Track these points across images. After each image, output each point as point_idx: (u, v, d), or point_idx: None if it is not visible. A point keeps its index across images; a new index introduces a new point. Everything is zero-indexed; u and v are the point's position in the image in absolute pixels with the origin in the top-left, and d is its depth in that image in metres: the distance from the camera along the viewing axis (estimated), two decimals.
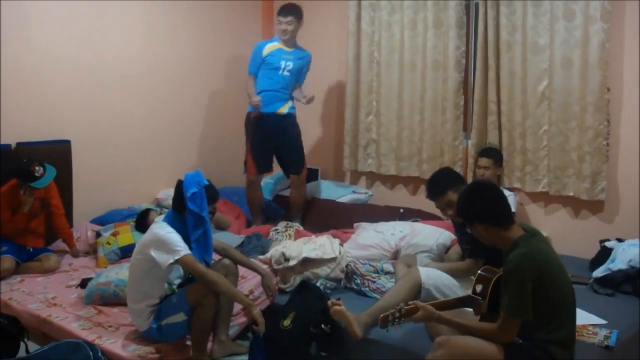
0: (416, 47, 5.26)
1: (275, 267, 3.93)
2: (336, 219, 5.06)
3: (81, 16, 4.96)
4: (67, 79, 4.92)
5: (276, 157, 5.35)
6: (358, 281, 3.84)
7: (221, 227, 4.82)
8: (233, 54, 6.09)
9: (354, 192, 5.60)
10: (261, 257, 4.05)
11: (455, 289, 3.27)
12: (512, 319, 2.52)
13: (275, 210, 5.50)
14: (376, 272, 3.87)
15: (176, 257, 3.12)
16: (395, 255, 4.09)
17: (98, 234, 4.68)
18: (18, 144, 4.62)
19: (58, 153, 4.78)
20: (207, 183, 3.31)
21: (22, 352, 3.19)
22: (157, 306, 3.28)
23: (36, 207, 4.41)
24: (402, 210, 5.04)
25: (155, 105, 5.56)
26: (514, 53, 4.71)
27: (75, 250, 4.66)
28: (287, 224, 4.93)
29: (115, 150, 5.29)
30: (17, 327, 3.26)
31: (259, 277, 3.60)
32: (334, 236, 4.37)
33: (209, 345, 3.34)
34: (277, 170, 5.59)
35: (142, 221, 4.40)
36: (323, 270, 3.90)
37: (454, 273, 3.39)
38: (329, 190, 5.64)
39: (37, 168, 4.19)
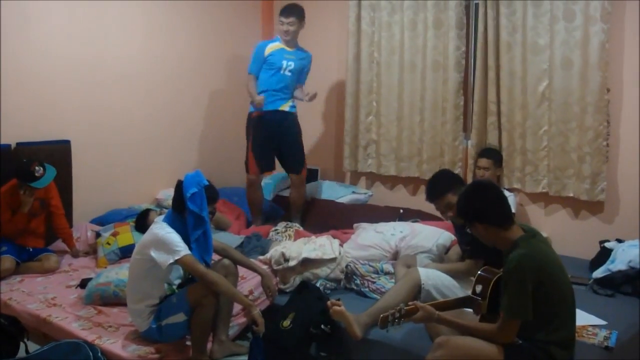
0: (416, 47, 5.26)
1: (275, 267, 3.93)
2: (336, 219, 5.06)
3: (81, 16, 4.96)
4: (67, 79, 4.92)
5: (277, 156, 5.35)
6: (358, 282, 3.84)
7: (221, 228, 4.82)
8: (233, 54, 6.09)
9: (353, 192, 5.60)
10: (261, 257, 4.05)
11: (455, 289, 3.26)
12: (512, 320, 2.52)
13: (275, 211, 5.50)
14: (376, 272, 3.87)
15: (176, 258, 3.12)
16: (395, 256, 4.09)
17: (98, 234, 4.68)
18: (18, 144, 4.62)
19: (58, 153, 4.78)
20: (207, 183, 3.31)
21: (22, 352, 3.20)
22: (157, 306, 3.28)
23: (36, 207, 4.41)
24: (402, 211, 5.04)
25: (155, 105, 5.56)
26: (514, 53, 4.71)
27: (75, 251, 4.66)
28: (287, 224, 4.93)
29: (115, 151, 5.29)
30: (17, 327, 3.27)
31: (258, 278, 3.60)
32: (334, 236, 4.37)
33: (209, 345, 3.34)
34: (277, 170, 5.59)
35: (142, 221, 4.40)
36: (323, 271, 3.91)
37: (453, 274, 3.39)
38: (329, 191, 5.64)
39: (37, 168, 4.19)
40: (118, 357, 3.22)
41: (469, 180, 4.85)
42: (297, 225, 4.93)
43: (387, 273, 3.87)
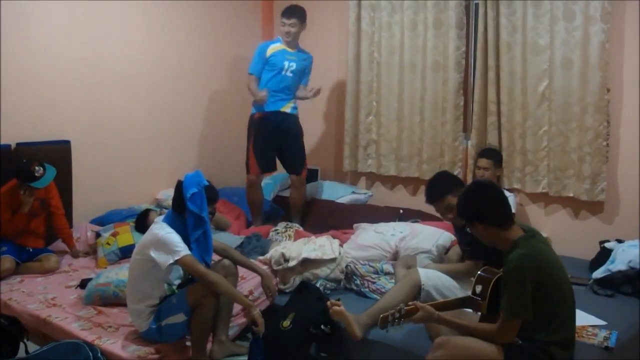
0: (416, 47, 5.26)
1: (275, 267, 3.93)
2: (336, 219, 5.06)
3: (81, 16, 4.96)
4: (67, 79, 4.92)
5: (278, 157, 5.35)
6: (358, 282, 3.84)
7: (221, 228, 4.82)
8: (233, 54, 6.09)
9: (353, 192, 5.60)
10: (261, 257, 4.05)
11: (455, 290, 3.26)
12: (512, 320, 2.52)
13: (276, 211, 5.50)
14: (376, 272, 3.87)
15: (176, 258, 3.12)
16: (395, 256, 4.09)
17: (98, 235, 4.68)
18: (18, 144, 4.62)
19: (58, 153, 4.78)
20: (207, 183, 3.31)
21: (21, 353, 3.20)
22: (157, 307, 3.28)
23: (36, 208, 4.41)
24: (401, 211, 5.04)
25: (155, 105, 5.56)
26: (514, 54, 4.71)
27: (75, 251, 4.66)
28: (287, 224, 4.93)
29: (115, 151, 5.29)
30: (17, 327, 3.27)
31: (258, 278, 3.60)
32: (334, 237, 4.37)
33: (209, 345, 3.34)
34: (277, 171, 5.59)
35: (142, 221, 4.39)
36: (323, 271, 3.91)
37: (453, 274, 3.39)
38: (329, 191, 5.64)
39: (37, 168, 4.19)
40: (118, 358, 3.21)
41: (469, 180, 4.85)
42: (297, 226, 4.93)
43: (387, 273, 3.87)
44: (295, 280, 3.88)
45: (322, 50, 5.69)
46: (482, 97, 4.88)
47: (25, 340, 3.26)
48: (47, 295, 3.93)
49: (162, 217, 3.39)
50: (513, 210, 3.99)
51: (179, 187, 3.28)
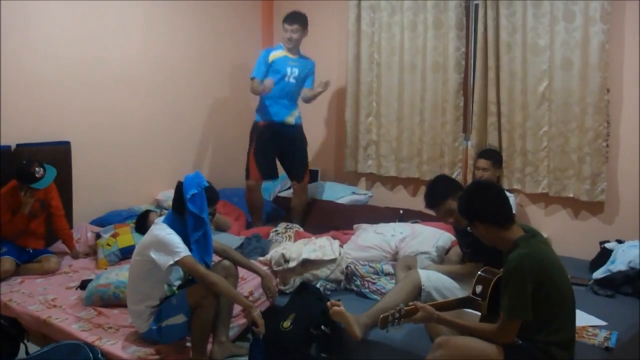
0: (416, 48, 5.26)
1: (275, 268, 3.92)
2: (336, 220, 5.06)
3: (81, 17, 4.96)
4: (67, 80, 4.92)
5: (280, 162, 5.36)
6: (358, 282, 3.84)
7: (221, 229, 4.82)
8: (233, 55, 6.09)
9: (353, 193, 5.60)
10: (261, 258, 4.05)
11: (455, 291, 3.26)
12: (512, 320, 2.52)
13: (276, 212, 5.51)
14: (376, 273, 3.87)
15: (176, 259, 3.12)
16: (395, 257, 4.08)
17: (98, 235, 4.68)
18: (18, 145, 4.62)
19: (58, 154, 4.77)
20: (207, 184, 3.31)
21: (22, 354, 3.20)
22: (157, 307, 3.28)
23: (36, 209, 4.41)
24: (401, 212, 5.04)
25: (156, 106, 5.56)
26: (513, 54, 4.71)
27: (75, 252, 4.66)
28: (287, 225, 4.93)
29: (115, 152, 5.28)
30: (17, 328, 3.27)
31: (258, 279, 3.60)
32: (334, 237, 4.37)
33: (209, 346, 3.33)
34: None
35: (142, 222, 4.38)
36: (323, 272, 3.90)
37: (454, 275, 3.39)
38: (329, 192, 5.64)
39: (37, 169, 4.19)
40: (118, 358, 3.21)
41: (469, 181, 4.85)
42: (297, 226, 4.93)
43: (387, 274, 3.87)
44: (295, 281, 3.88)
45: (322, 51, 5.70)
46: (482, 98, 4.89)
47: (25, 342, 3.26)
48: (47, 296, 3.93)
49: (162, 218, 3.40)
50: (513, 211, 3.99)
51: (179, 188, 3.28)
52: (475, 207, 2.71)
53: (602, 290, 3.73)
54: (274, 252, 4.01)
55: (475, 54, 4.92)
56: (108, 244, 4.54)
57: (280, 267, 3.91)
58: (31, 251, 4.46)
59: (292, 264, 3.88)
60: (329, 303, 3.23)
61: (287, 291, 3.84)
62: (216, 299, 3.21)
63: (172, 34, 5.63)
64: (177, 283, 3.61)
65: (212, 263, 3.41)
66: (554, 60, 4.53)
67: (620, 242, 4.10)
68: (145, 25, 5.43)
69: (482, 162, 4.61)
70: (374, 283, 3.79)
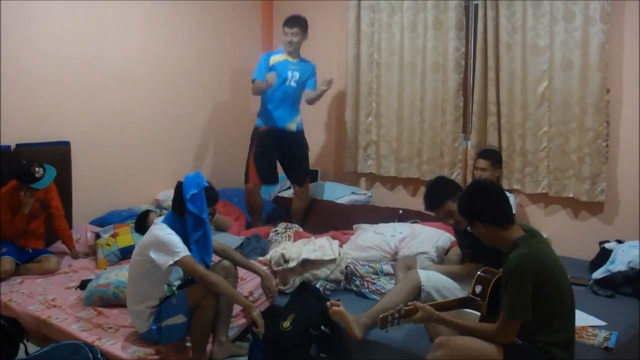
0: (416, 48, 5.26)
1: (275, 268, 3.92)
2: (336, 220, 5.06)
3: (81, 17, 4.96)
4: (67, 80, 4.92)
5: (281, 166, 5.36)
6: (358, 282, 3.84)
7: (221, 229, 4.82)
8: (233, 55, 6.09)
9: (353, 193, 5.60)
10: (261, 258, 4.05)
11: (455, 291, 3.26)
12: (512, 320, 2.52)
13: (276, 212, 5.51)
14: (376, 273, 3.87)
15: (176, 259, 3.12)
16: (395, 257, 4.08)
17: (98, 236, 4.68)
18: (18, 145, 4.62)
19: (58, 154, 4.77)
20: (206, 184, 3.31)
21: (21, 354, 3.20)
22: (157, 308, 3.28)
23: (36, 209, 4.41)
24: (401, 212, 5.04)
25: (155, 106, 5.56)
26: (513, 54, 4.71)
27: (74, 252, 4.66)
28: (287, 225, 4.93)
29: (115, 152, 5.28)
30: (16, 328, 3.27)
31: (258, 279, 3.60)
32: (334, 237, 4.37)
33: (209, 346, 3.33)
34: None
35: (142, 222, 4.38)
36: (323, 272, 3.90)
37: (453, 276, 3.39)
38: (329, 192, 5.64)
39: (37, 169, 4.19)
40: (118, 359, 3.21)
41: (469, 181, 4.85)
42: (296, 226, 4.93)
43: (387, 274, 3.87)
44: (295, 281, 3.88)
45: (322, 52, 5.70)
46: (482, 98, 4.89)
47: (25, 342, 3.26)
48: (47, 297, 3.93)
49: (162, 218, 3.40)
50: (513, 211, 3.99)
51: (179, 188, 3.28)
52: (475, 207, 2.71)
53: (601, 290, 3.73)
54: (273, 252, 4.01)
55: (475, 54, 4.92)
56: (108, 244, 4.54)
57: (280, 267, 3.91)
58: (31, 251, 4.46)
59: (291, 264, 3.88)
60: (328, 303, 3.23)
61: (287, 291, 3.84)
62: (216, 299, 3.21)
63: (172, 34, 5.63)
64: (177, 283, 3.61)
65: (212, 263, 3.41)
66: (553, 61, 4.53)
67: (620, 242, 4.10)
68: (145, 25, 5.43)
69: (481, 162, 4.62)
70: (374, 283, 3.79)
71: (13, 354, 3.19)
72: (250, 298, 3.65)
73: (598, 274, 3.85)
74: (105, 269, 4.31)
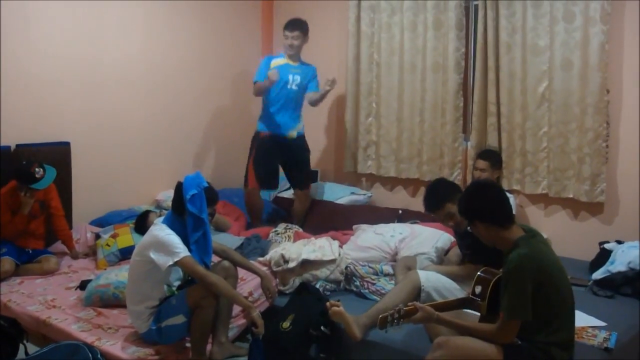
0: (416, 48, 5.26)
1: (275, 269, 3.92)
2: (336, 220, 5.06)
3: (81, 17, 4.96)
4: (67, 80, 4.92)
5: (282, 169, 5.36)
6: (357, 283, 3.84)
7: (221, 229, 4.82)
8: (233, 55, 6.09)
9: (352, 193, 5.59)
10: (260, 259, 4.04)
11: (455, 291, 3.26)
12: (512, 320, 2.52)
13: (276, 212, 5.50)
14: (375, 274, 3.87)
15: (175, 259, 3.12)
16: (395, 257, 4.08)
17: (97, 236, 4.68)
18: (18, 145, 4.62)
19: (58, 155, 4.77)
20: (206, 185, 3.31)
21: (21, 354, 3.20)
22: (157, 308, 3.28)
23: (36, 209, 4.41)
24: (400, 212, 5.04)
25: (155, 106, 5.56)
26: (513, 54, 4.71)
27: (74, 252, 4.66)
28: (287, 225, 4.93)
29: (115, 152, 5.28)
30: (16, 328, 3.27)
31: (258, 279, 3.60)
32: (334, 238, 4.36)
33: (209, 347, 3.33)
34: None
35: (142, 223, 4.38)
36: (322, 272, 3.90)
37: (453, 277, 3.39)
38: (329, 192, 5.64)
39: (37, 169, 4.19)
40: (117, 359, 3.21)
41: (469, 181, 4.85)
42: (296, 227, 4.93)
43: (386, 274, 3.87)
44: (294, 282, 3.88)
45: (322, 52, 5.70)
46: (482, 98, 4.88)
47: (24, 342, 3.26)
48: (46, 297, 3.93)
49: (161, 218, 3.39)
50: (513, 211, 3.99)
51: (179, 189, 3.28)
52: (475, 207, 2.71)
53: (601, 290, 3.72)
54: (273, 253, 4.01)
55: (475, 54, 4.92)
56: (108, 245, 4.54)
57: (280, 268, 3.91)
58: (31, 251, 4.46)
59: (291, 265, 3.88)
60: (328, 303, 3.23)
61: (287, 292, 3.84)
62: (215, 300, 3.21)
63: (172, 34, 5.63)
64: (177, 283, 3.62)
65: (212, 263, 3.41)
66: (553, 61, 4.53)
67: (619, 242, 4.10)
68: (145, 25, 5.43)
69: (481, 163, 4.62)
70: (374, 283, 3.79)
71: (13, 355, 3.18)
72: (250, 298, 3.65)
73: (598, 274, 3.84)
74: (105, 269, 4.31)
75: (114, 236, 4.59)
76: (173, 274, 3.56)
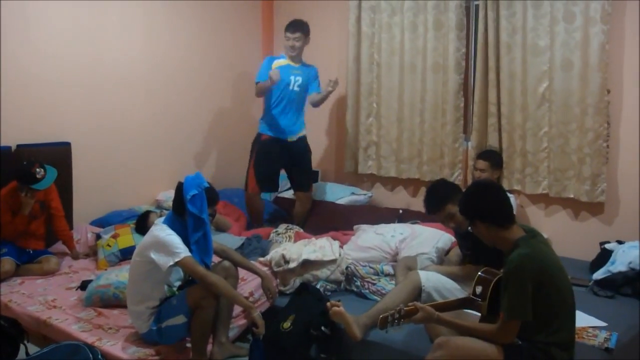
0: (416, 49, 5.26)
1: (275, 269, 3.92)
2: (336, 220, 5.06)
3: (82, 18, 4.96)
4: (67, 80, 4.92)
5: (285, 171, 5.36)
6: (358, 283, 3.84)
7: (221, 229, 4.82)
8: (233, 55, 6.10)
9: (352, 193, 5.59)
10: (261, 259, 4.05)
11: (455, 292, 3.26)
12: (512, 320, 2.52)
13: (277, 212, 5.50)
14: (376, 274, 3.87)
15: (176, 259, 3.12)
16: (395, 258, 4.08)
17: (98, 236, 4.68)
18: (18, 145, 4.62)
19: (58, 155, 4.77)
20: (207, 185, 3.32)
21: (21, 355, 3.20)
22: (157, 308, 3.28)
23: (36, 209, 4.41)
24: (401, 212, 5.04)
25: (156, 106, 5.56)
26: (514, 55, 4.71)
27: (75, 253, 4.66)
28: (288, 226, 4.93)
29: (116, 152, 5.28)
30: (16, 329, 3.27)
31: (258, 280, 3.60)
32: (334, 238, 4.37)
33: (209, 347, 3.34)
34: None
35: (142, 223, 4.39)
36: (323, 273, 3.90)
37: (454, 277, 3.39)
38: (329, 192, 5.64)
39: (38, 170, 4.19)
40: (118, 359, 3.21)
41: (470, 182, 4.85)
42: (297, 227, 4.93)
43: (387, 275, 3.87)
44: (295, 282, 3.88)
45: (322, 52, 5.70)
46: (482, 99, 4.89)
47: (25, 342, 3.26)
48: (47, 297, 3.93)
49: (162, 218, 3.39)
50: (513, 211, 3.99)
51: (179, 189, 3.28)
52: (476, 207, 2.71)
53: (602, 291, 3.72)
54: (274, 253, 4.01)
55: (476, 54, 4.92)
56: (108, 245, 4.54)
57: (280, 268, 3.91)
58: (31, 252, 4.46)
59: (292, 265, 3.88)
60: (328, 304, 3.23)
61: (287, 292, 3.84)
62: (216, 300, 3.22)
63: (172, 34, 5.63)
64: (177, 284, 3.61)
65: (212, 264, 3.41)
66: (554, 61, 4.53)
67: (620, 242, 4.10)
68: (146, 25, 5.43)
69: (481, 163, 4.62)
70: (374, 284, 3.79)
71: (13, 355, 3.18)
72: (251, 299, 3.65)
73: (598, 274, 3.84)
74: (106, 269, 4.31)
75: (114, 236, 4.59)
76: (174, 274, 3.56)
